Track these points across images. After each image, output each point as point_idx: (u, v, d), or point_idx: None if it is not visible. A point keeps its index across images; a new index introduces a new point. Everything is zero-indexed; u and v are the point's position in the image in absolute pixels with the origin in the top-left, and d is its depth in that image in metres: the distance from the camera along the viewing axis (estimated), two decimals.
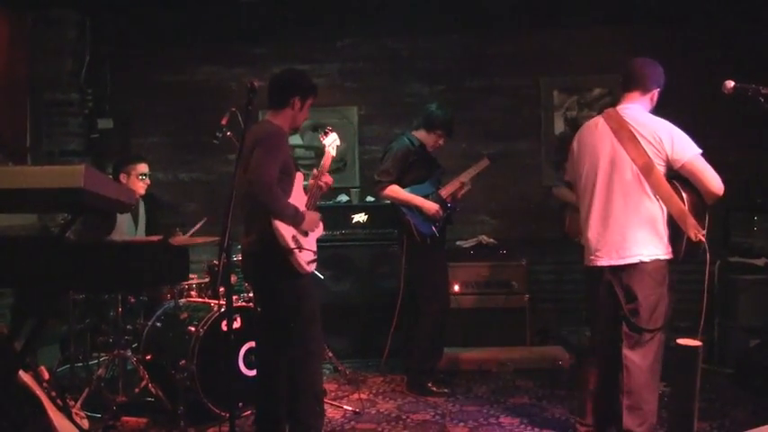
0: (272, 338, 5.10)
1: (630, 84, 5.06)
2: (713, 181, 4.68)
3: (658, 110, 5.05)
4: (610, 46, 8.55)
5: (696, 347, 2.85)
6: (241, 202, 4.97)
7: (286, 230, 4.87)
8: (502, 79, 8.83)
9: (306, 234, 5.08)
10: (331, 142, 5.56)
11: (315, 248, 5.16)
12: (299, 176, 5.22)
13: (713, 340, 7.51)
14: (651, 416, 4.87)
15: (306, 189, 5.30)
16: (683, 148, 4.74)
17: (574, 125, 8.62)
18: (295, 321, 4.99)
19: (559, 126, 8.78)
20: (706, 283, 4.69)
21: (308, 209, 5.18)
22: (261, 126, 5.12)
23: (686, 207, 4.72)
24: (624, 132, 4.89)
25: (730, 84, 4.77)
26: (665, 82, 5.05)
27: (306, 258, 4.98)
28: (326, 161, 5.50)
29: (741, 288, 7.40)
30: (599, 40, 8.63)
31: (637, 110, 4.97)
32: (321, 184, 5.39)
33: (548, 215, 8.47)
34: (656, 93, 5.02)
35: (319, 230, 5.31)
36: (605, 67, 8.61)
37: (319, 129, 8.53)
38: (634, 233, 4.89)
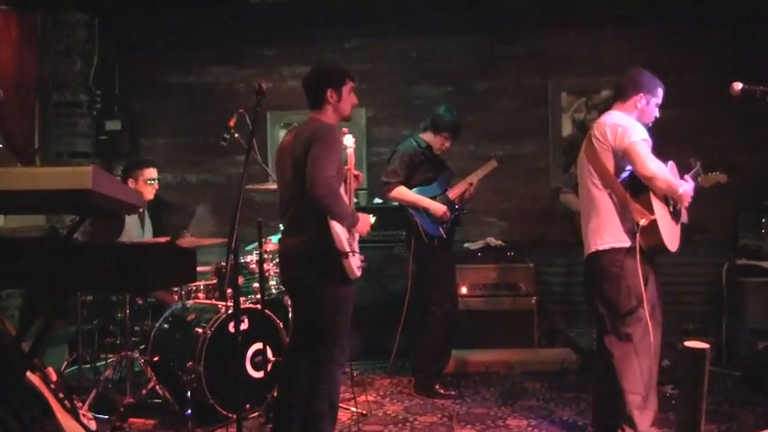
0: (302, 341, 5.07)
1: (614, 95, 5.31)
2: (644, 164, 4.80)
3: (666, 109, 5.11)
4: (618, 48, 8.53)
5: (704, 349, 2.83)
6: (285, 202, 4.93)
7: (342, 232, 4.75)
8: (510, 81, 8.82)
9: (354, 237, 4.99)
10: (350, 144, 5.52)
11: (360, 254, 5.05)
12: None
13: (721, 342, 7.49)
14: (633, 405, 4.96)
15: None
16: (623, 135, 4.90)
17: (582, 127, 8.64)
18: (329, 327, 4.88)
19: (567, 128, 8.77)
20: None
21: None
22: (310, 124, 4.91)
23: (627, 193, 4.88)
24: (588, 137, 5.17)
25: (738, 86, 4.79)
26: (653, 85, 5.14)
27: (356, 263, 4.89)
28: (351, 159, 5.45)
29: (749, 290, 7.38)
30: (608, 42, 8.61)
31: (611, 114, 5.14)
32: (356, 180, 5.33)
33: (555, 217, 8.49)
34: (638, 98, 5.11)
35: (357, 236, 5.17)
36: (614, 69, 8.52)
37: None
38: (590, 225, 5.13)
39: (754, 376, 6.69)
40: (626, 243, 4.89)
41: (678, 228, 5.11)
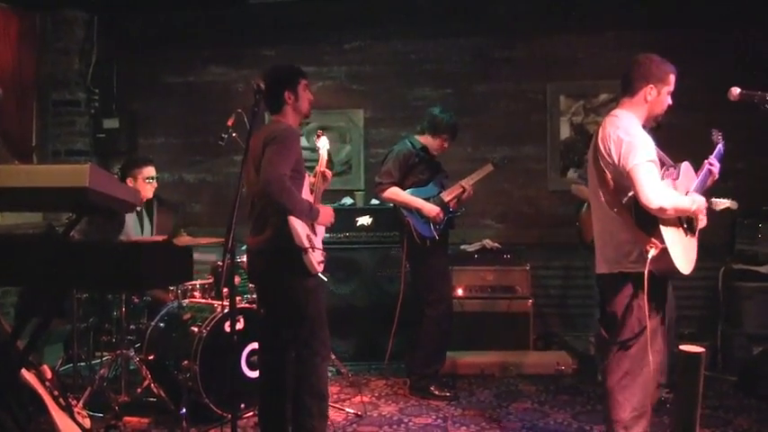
0: (278, 338, 5.09)
1: (621, 89, 4.90)
2: (644, 191, 4.40)
3: (664, 114, 4.99)
4: (617, 51, 8.53)
5: (699, 354, 2.84)
6: (250, 202, 5.01)
7: (301, 229, 4.86)
8: (509, 84, 8.83)
9: (315, 233, 5.07)
10: (323, 145, 5.56)
11: (322, 248, 5.15)
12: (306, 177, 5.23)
13: (717, 347, 7.49)
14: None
15: (311, 189, 5.29)
16: (627, 156, 4.50)
17: (580, 130, 8.66)
18: (301, 321, 4.96)
19: (565, 131, 8.78)
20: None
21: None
22: (270, 126, 5.09)
23: (634, 220, 4.56)
24: (596, 147, 4.78)
25: (736, 90, 4.76)
26: (663, 73, 4.77)
27: (317, 258, 4.97)
28: (322, 161, 5.50)
29: (745, 295, 7.40)
30: (606, 45, 8.62)
31: (618, 117, 4.77)
32: (325, 177, 5.39)
33: (553, 220, 8.52)
34: (648, 89, 4.73)
35: (323, 231, 5.29)
36: (612, 72, 8.51)
37: (325, 131, 8.56)
38: (598, 243, 4.87)
39: (748, 382, 6.70)
40: (633, 269, 4.58)
41: (695, 241, 4.79)
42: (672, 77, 4.80)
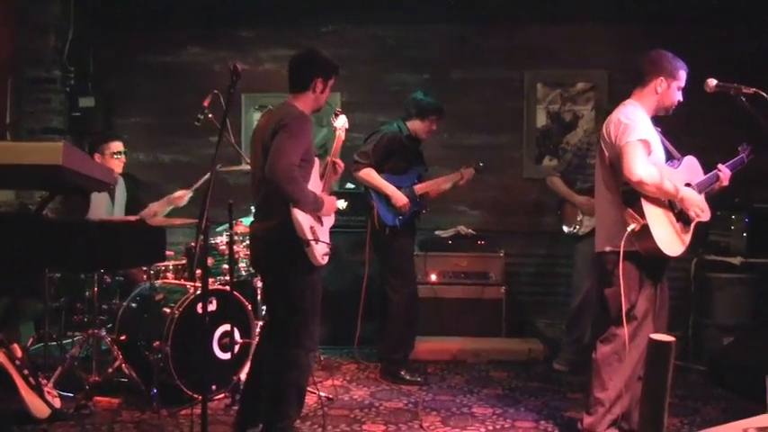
0: (271, 329, 5.11)
1: (634, 81, 5.07)
2: (630, 168, 4.62)
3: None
4: (595, 42, 8.58)
5: (669, 343, 2.85)
6: (256, 185, 4.94)
7: (305, 220, 4.76)
8: (486, 71, 8.84)
9: (321, 224, 5.02)
10: (341, 125, 5.52)
11: (329, 241, 5.08)
12: (315, 162, 5.16)
13: (688, 337, 7.55)
14: (600, 417, 4.94)
15: (321, 175, 5.25)
16: (622, 134, 4.74)
17: (556, 119, 8.69)
18: (296, 313, 4.90)
19: (542, 119, 8.80)
20: None
21: (327, 193, 5.15)
22: (283, 109, 4.94)
23: (621, 196, 4.79)
24: (602, 131, 5.00)
25: (713, 82, 4.82)
26: (674, 68, 4.94)
27: (321, 251, 4.89)
28: (337, 144, 5.48)
29: (717, 286, 7.46)
30: (584, 35, 8.66)
31: (625, 105, 4.97)
32: (337, 167, 5.36)
33: (528, 208, 8.55)
34: (658, 82, 4.91)
35: (331, 221, 5.24)
36: (589, 62, 8.66)
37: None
38: (597, 224, 5.17)
39: (717, 372, 6.74)
40: (621, 247, 4.69)
41: (688, 231, 4.93)
42: (682, 74, 4.99)
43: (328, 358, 7.38)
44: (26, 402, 5.25)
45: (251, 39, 8.97)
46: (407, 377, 6.72)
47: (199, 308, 5.94)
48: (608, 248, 4.87)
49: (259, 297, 6.56)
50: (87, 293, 6.27)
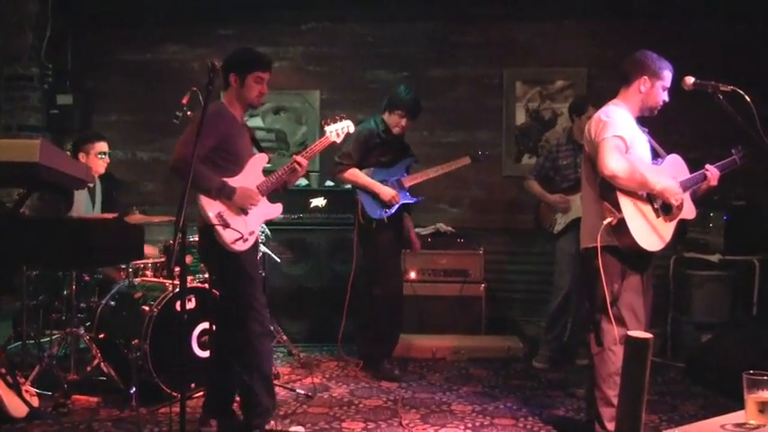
0: (219, 317, 5.14)
1: (619, 80, 5.11)
2: (604, 162, 4.68)
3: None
4: (573, 39, 8.61)
5: (646, 340, 2.86)
6: None
7: (210, 206, 4.89)
8: (466, 69, 8.86)
9: (245, 213, 5.04)
10: (335, 129, 5.51)
11: (252, 228, 5.09)
12: (258, 157, 5.24)
13: (667, 334, 7.58)
14: (602, 402, 4.96)
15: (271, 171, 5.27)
16: (600, 131, 4.79)
17: (535, 116, 8.71)
18: (232, 296, 4.98)
19: (521, 117, 8.82)
20: None
21: (262, 189, 5.15)
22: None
23: (598, 191, 4.87)
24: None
25: (690, 80, 4.85)
26: (658, 68, 4.95)
27: (231, 237, 4.92)
28: (316, 145, 5.51)
29: (695, 283, 7.50)
30: (563, 33, 8.69)
31: (608, 105, 5.02)
32: (295, 165, 5.29)
33: (507, 206, 8.56)
34: (642, 81, 4.93)
35: (273, 212, 5.32)
36: (568, 59, 8.68)
37: (281, 111, 8.53)
38: (583, 221, 5.19)
39: (695, 369, 6.77)
40: (601, 242, 4.74)
41: (670, 225, 4.94)
42: (667, 74, 4.99)
43: (308, 355, 7.36)
44: (4, 401, 5.22)
45: (230, 36, 8.95)
46: (388, 374, 6.71)
47: (178, 306, 5.92)
48: (592, 245, 4.85)
49: None
50: (65, 291, 6.25)
